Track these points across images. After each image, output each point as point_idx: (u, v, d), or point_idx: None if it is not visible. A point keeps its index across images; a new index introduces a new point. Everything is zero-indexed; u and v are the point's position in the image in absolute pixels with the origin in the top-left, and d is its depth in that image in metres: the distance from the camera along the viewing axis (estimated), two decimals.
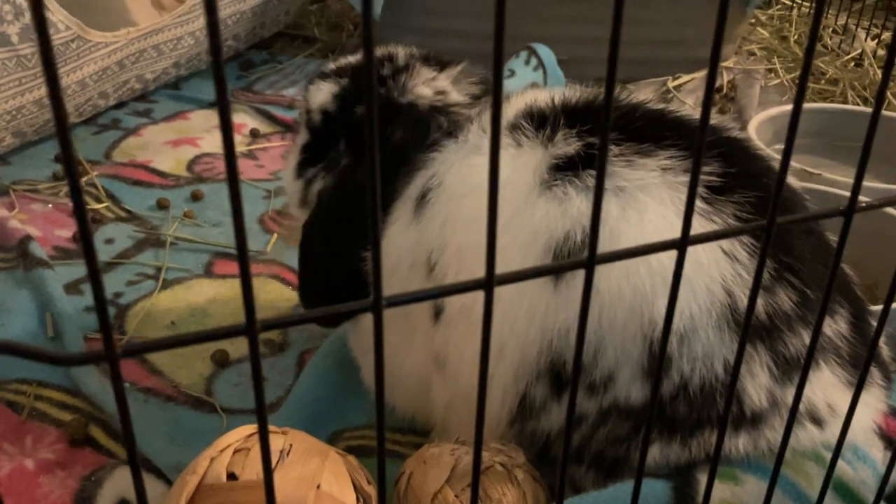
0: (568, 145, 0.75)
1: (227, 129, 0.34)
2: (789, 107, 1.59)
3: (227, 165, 0.36)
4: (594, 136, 0.75)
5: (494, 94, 0.39)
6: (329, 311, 0.42)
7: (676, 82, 1.96)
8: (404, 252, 0.81)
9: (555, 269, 0.49)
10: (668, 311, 0.50)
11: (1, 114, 1.46)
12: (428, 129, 0.86)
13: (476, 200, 0.77)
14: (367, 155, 0.94)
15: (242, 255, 0.38)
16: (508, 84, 1.61)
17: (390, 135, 0.86)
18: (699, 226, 0.69)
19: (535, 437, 0.76)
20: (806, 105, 1.64)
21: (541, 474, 0.77)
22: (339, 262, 0.88)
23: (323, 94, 0.93)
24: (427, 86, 0.90)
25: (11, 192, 1.47)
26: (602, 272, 0.68)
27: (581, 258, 0.47)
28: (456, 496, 0.73)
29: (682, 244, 0.49)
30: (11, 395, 1.00)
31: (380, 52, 0.93)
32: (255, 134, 1.77)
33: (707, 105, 0.45)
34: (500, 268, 0.41)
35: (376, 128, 0.37)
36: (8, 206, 1.41)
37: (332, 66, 0.98)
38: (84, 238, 0.33)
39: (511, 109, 0.83)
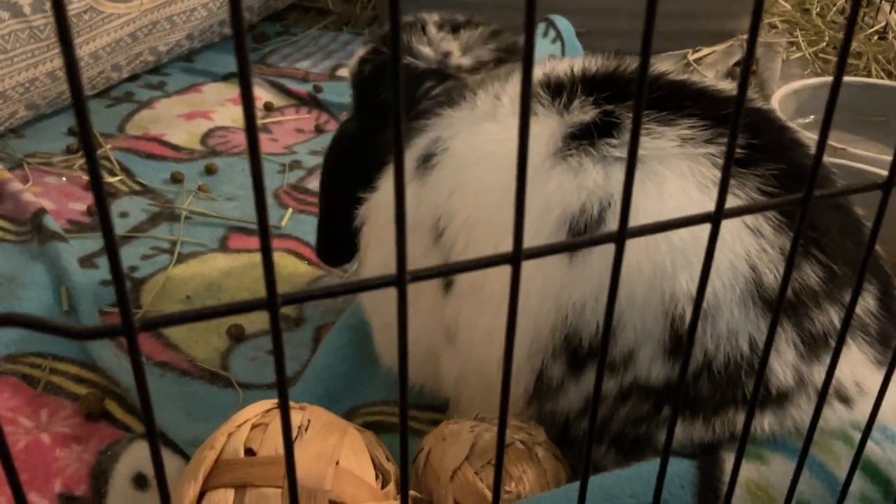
0: (584, 113, 0.73)
1: (248, 102, 0.33)
2: (812, 80, 1.56)
3: (249, 140, 0.34)
4: (611, 103, 0.73)
5: (525, 64, 0.37)
6: (352, 285, 0.41)
7: (696, 55, 1.93)
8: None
9: (584, 244, 0.47)
10: (700, 288, 0.49)
11: (14, 86, 1.45)
12: (414, 90, 0.88)
13: (486, 169, 0.75)
14: (362, 104, 0.99)
15: (264, 230, 0.36)
16: None
17: (381, 94, 0.92)
18: None
19: (554, 418, 0.75)
20: (827, 79, 1.60)
21: (562, 452, 0.76)
22: (336, 210, 0.97)
23: (357, 55, 0.99)
24: (428, 47, 0.90)
25: (25, 165, 1.46)
26: None
27: (610, 232, 0.45)
28: (476, 473, 0.72)
29: (716, 217, 0.48)
30: (27, 368, 1.00)
31: (414, 17, 0.96)
32: (269, 107, 1.75)
33: (745, 76, 0.43)
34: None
35: (401, 98, 0.35)
36: (22, 180, 1.40)
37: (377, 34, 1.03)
38: (101, 213, 0.32)
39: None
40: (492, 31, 0.94)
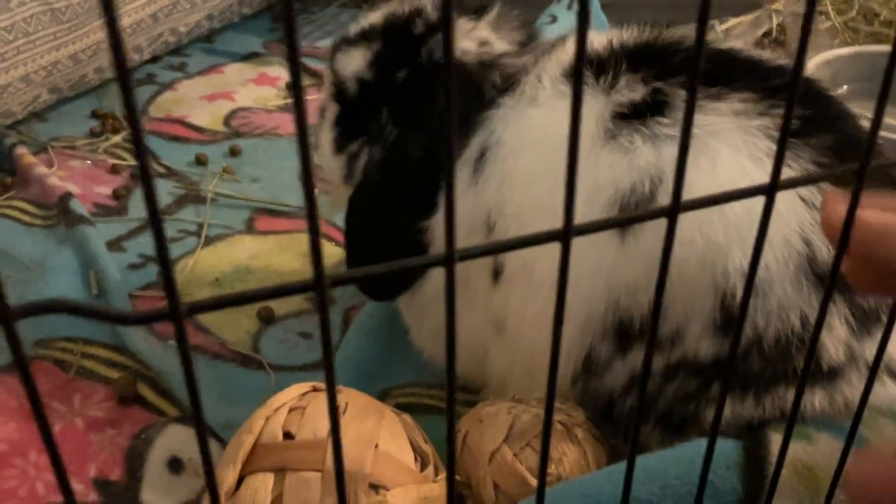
0: (632, 91, 0.71)
1: (297, 87, 0.31)
2: (845, 50, 1.53)
3: (298, 126, 0.33)
4: (660, 80, 0.71)
5: (579, 39, 0.35)
6: (400, 265, 0.40)
7: (724, 26, 1.90)
8: (462, 218, 0.77)
9: (635, 219, 0.46)
10: (753, 263, 0.47)
11: (36, 69, 1.45)
12: (480, 88, 0.80)
13: (535, 156, 0.73)
14: (419, 116, 0.84)
15: (312, 214, 0.35)
16: (550, 31, 1.55)
17: (440, 100, 0.80)
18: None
19: (597, 396, 0.74)
20: (860, 48, 1.57)
21: (601, 433, 0.75)
22: (392, 238, 0.84)
23: (355, 61, 0.87)
24: (469, 38, 0.83)
25: (50, 148, 1.45)
26: None
27: (662, 206, 0.43)
28: (515, 455, 0.71)
29: (770, 189, 0.46)
30: (59, 353, 1.00)
31: (405, 7, 0.88)
32: (290, 88, 1.73)
33: (803, 49, 0.41)
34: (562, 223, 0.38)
35: (454, 90, 0.34)
36: (47, 164, 1.40)
37: (354, 29, 0.91)
38: (150, 205, 0.31)
39: (567, 54, 0.79)
40: (500, 8, 0.88)
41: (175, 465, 0.86)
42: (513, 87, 0.79)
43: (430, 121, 0.81)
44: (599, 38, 0.78)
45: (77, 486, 0.84)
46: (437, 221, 0.80)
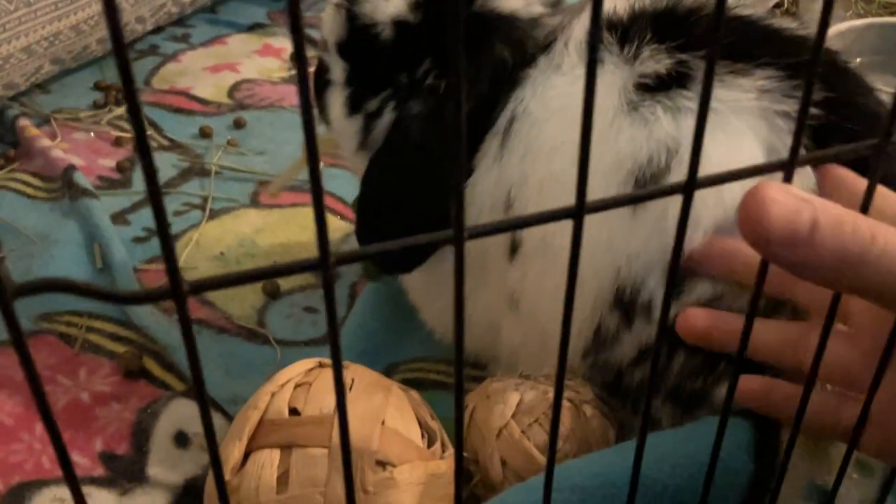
0: (657, 63, 0.69)
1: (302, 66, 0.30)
2: (858, 22, 1.50)
3: (301, 98, 0.32)
4: (685, 51, 0.68)
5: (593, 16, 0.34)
6: (407, 242, 0.39)
7: None
8: (485, 194, 0.75)
9: (651, 195, 0.45)
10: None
11: (38, 40, 1.43)
12: (526, 45, 0.76)
13: (558, 126, 0.71)
14: (471, 70, 0.78)
15: (317, 190, 0.34)
16: None
17: (496, 51, 0.75)
18: None
19: (606, 369, 0.73)
20: (872, 20, 1.54)
21: (610, 408, 0.74)
22: (424, 201, 0.77)
23: (394, 2, 0.77)
24: None
25: (53, 120, 1.44)
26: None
27: (678, 182, 0.42)
28: (522, 432, 0.71)
29: (789, 165, 0.45)
30: (64, 327, 1.00)
31: None
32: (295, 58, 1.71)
33: (822, 32, 0.40)
34: None
35: (462, 70, 0.33)
36: (50, 136, 1.39)
37: None
38: (149, 178, 0.30)
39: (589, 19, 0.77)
40: None
41: (181, 439, 0.86)
42: (547, 49, 0.76)
43: (481, 76, 0.74)
44: (621, 2, 0.75)
45: (83, 461, 0.84)
46: (470, 187, 0.75)
